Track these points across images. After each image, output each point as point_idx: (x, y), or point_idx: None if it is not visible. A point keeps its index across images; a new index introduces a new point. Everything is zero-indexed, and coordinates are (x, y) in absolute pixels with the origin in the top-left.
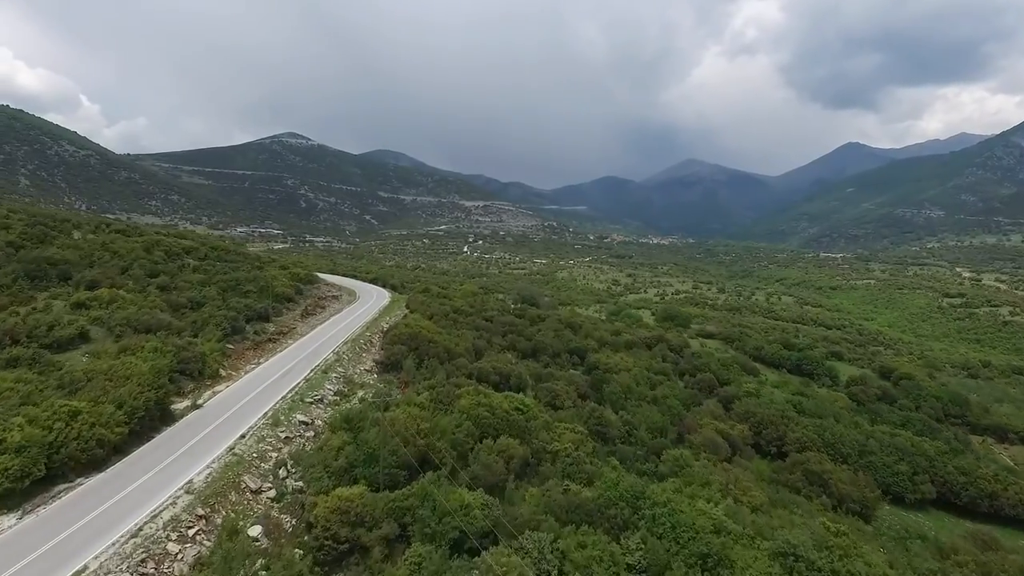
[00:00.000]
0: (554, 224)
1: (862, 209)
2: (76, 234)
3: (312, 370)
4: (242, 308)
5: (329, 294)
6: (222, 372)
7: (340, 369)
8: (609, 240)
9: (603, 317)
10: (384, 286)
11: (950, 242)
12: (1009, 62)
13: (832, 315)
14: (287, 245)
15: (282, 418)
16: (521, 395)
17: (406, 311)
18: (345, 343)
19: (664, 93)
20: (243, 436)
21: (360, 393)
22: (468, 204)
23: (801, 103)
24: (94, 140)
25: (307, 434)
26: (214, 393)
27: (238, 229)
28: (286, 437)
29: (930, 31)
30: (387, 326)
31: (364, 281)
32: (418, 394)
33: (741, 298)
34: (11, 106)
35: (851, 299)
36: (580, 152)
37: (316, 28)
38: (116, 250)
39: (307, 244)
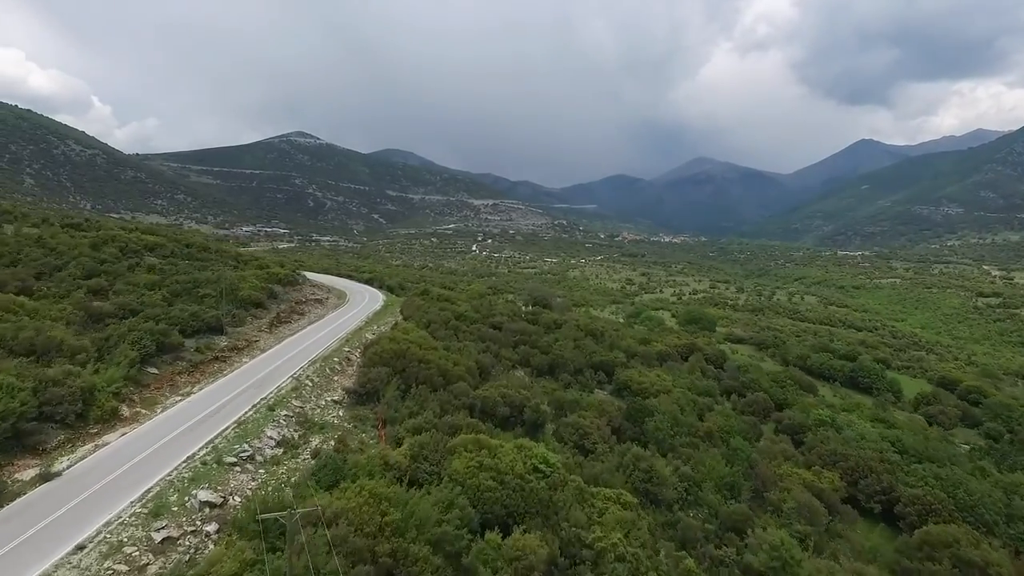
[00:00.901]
0: (564, 223)
1: (878, 206)
2: (8, 228)
3: (254, 406)
4: (185, 318)
5: (312, 297)
6: (124, 411)
7: (296, 403)
8: (620, 239)
9: (621, 319)
10: (380, 287)
11: (971, 239)
12: None
13: (860, 316)
14: (293, 244)
15: (172, 499)
16: (542, 447)
17: (399, 318)
18: (313, 362)
19: (674, 91)
20: (83, 548)
21: (315, 441)
22: (477, 203)
23: (814, 99)
24: (105, 141)
25: (207, 528)
26: (95, 448)
27: (244, 228)
28: (164, 540)
29: (946, 25)
30: (372, 338)
31: (359, 282)
32: (398, 443)
33: (762, 298)
34: (19, 106)
35: (877, 299)
36: (590, 151)
37: (332, 39)
38: (54, 247)
39: (313, 243)
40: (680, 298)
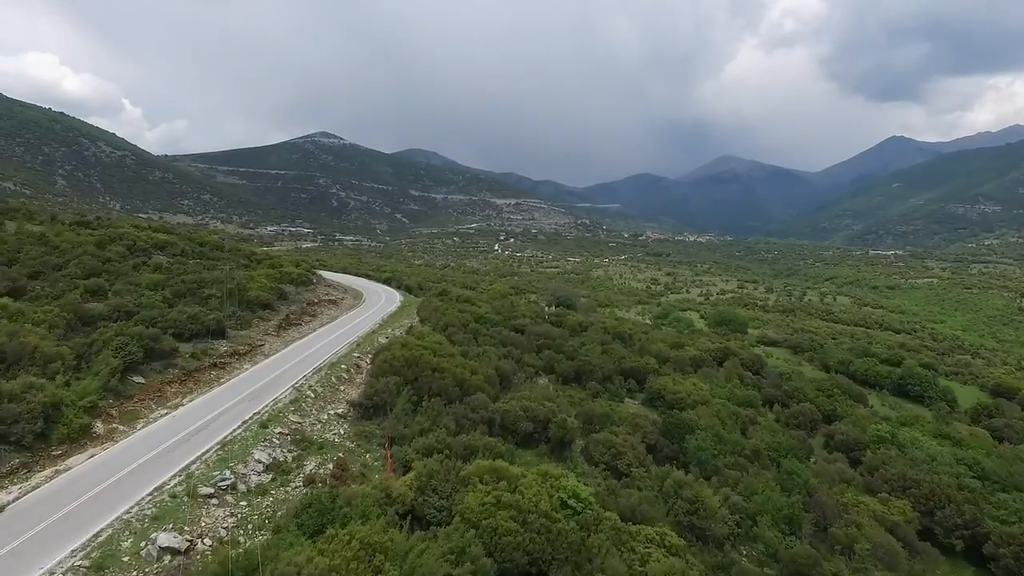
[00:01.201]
0: (587, 222)
1: (910, 205)
2: (11, 226)
3: (245, 422)
4: (183, 321)
5: (326, 298)
6: (98, 428)
7: (293, 418)
8: (644, 238)
9: (648, 321)
10: (399, 287)
11: (1011, 238)
12: None
13: (898, 318)
14: (316, 244)
15: (124, 545)
16: (571, 477)
17: (415, 320)
18: (318, 370)
19: (698, 89)
20: None
21: (311, 464)
22: (499, 202)
23: (842, 96)
24: (136, 142)
25: None
26: (54, 474)
27: (268, 228)
28: None
29: (980, 17)
30: (384, 342)
31: (378, 282)
32: (405, 468)
33: (792, 298)
34: (52, 109)
35: (913, 300)
36: (613, 150)
37: (357, 41)
38: (58, 244)
39: (336, 243)
40: (707, 298)
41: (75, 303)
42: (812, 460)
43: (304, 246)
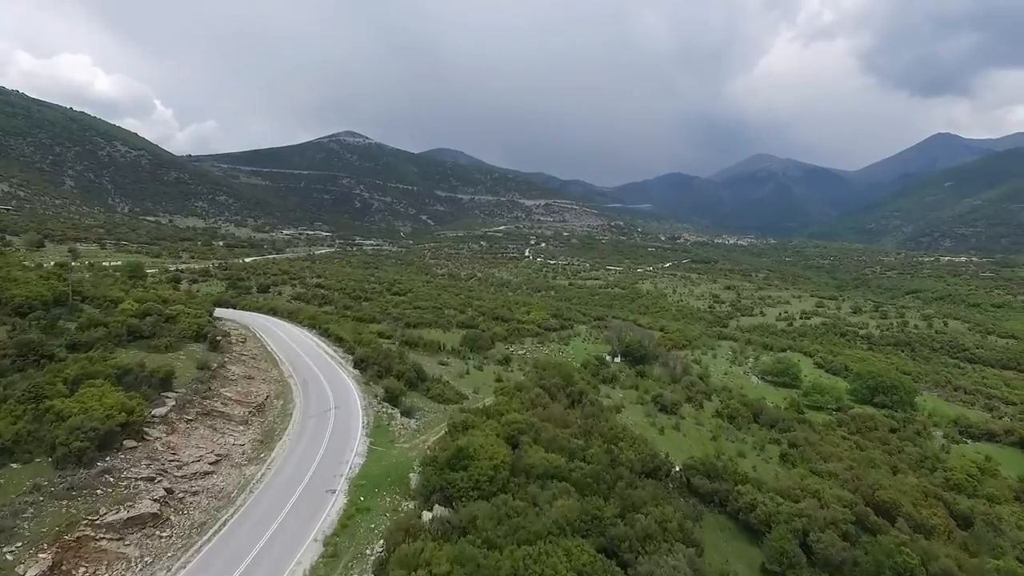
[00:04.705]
0: (621, 224)
1: (966, 205)
2: None
3: None
4: None
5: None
6: None
7: None
8: (682, 240)
9: (755, 379)
10: (398, 348)
11: None
12: None
13: None
14: (332, 249)
15: None
16: None
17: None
18: None
19: (731, 84)
20: None
21: None
22: (528, 203)
23: (883, 91)
24: (166, 143)
25: None
26: None
27: (284, 232)
28: None
29: None
30: None
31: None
32: None
33: (892, 323)
34: (73, 108)
35: None
36: (643, 148)
37: (383, 40)
38: None
39: (355, 247)
40: (791, 324)
41: None
42: None
43: (319, 252)
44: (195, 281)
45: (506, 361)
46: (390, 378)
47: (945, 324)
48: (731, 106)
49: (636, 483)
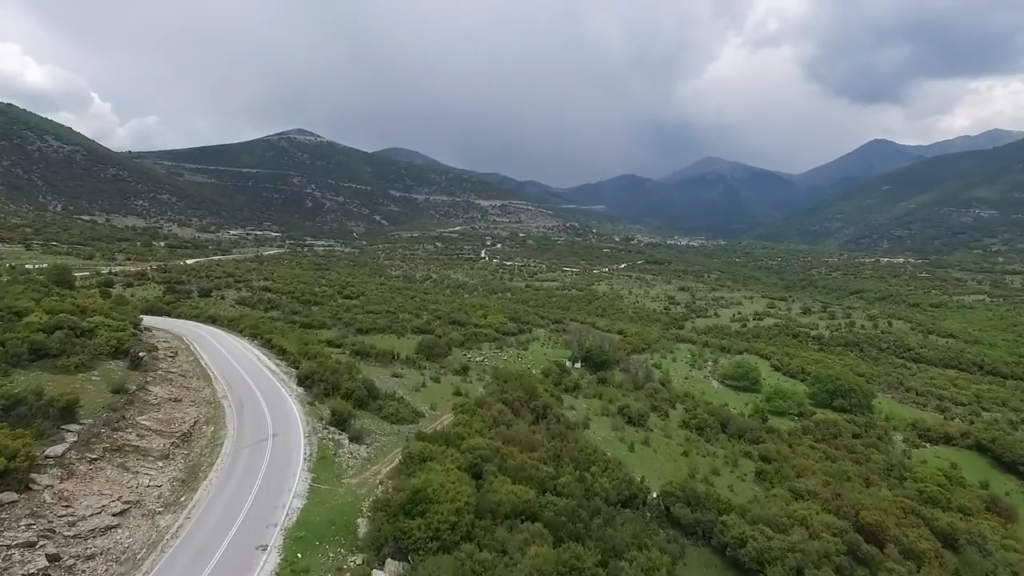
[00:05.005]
0: (576, 225)
1: (901, 208)
2: None
3: None
4: None
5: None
6: None
7: None
8: (635, 242)
9: (715, 383)
10: (348, 360)
11: (1020, 244)
12: None
13: (998, 355)
14: (282, 250)
15: None
16: None
17: None
18: None
19: (682, 88)
20: None
21: None
22: (484, 204)
23: (825, 98)
24: (105, 139)
25: None
26: None
27: (231, 231)
28: None
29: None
30: None
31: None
32: None
33: (840, 323)
34: (16, 104)
35: (975, 322)
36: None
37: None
38: None
39: (306, 248)
40: (744, 325)
41: None
42: None
43: (267, 253)
44: (130, 285)
45: (464, 370)
46: (337, 398)
47: (890, 324)
48: (682, 110)
49: (614, 517)
